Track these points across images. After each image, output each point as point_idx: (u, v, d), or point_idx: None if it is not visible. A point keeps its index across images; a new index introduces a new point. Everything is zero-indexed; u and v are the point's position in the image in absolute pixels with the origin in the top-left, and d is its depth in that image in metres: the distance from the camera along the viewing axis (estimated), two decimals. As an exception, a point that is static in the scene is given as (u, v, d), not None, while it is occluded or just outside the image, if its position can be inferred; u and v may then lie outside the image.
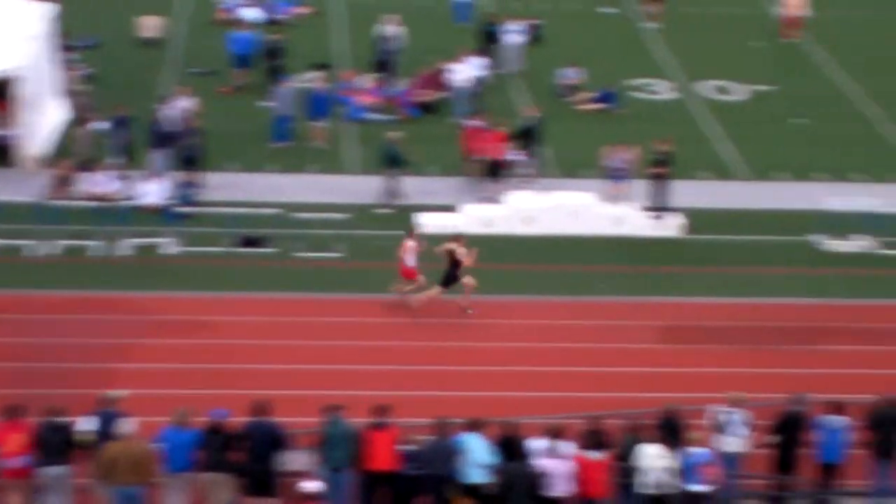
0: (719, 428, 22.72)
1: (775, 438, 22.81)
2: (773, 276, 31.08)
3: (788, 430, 22.74)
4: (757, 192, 35.37)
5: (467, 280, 28.83)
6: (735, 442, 22.70)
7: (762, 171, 36.56)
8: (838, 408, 22.78)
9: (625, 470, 21.79)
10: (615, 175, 33.74)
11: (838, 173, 36.28)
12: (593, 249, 32.28)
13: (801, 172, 36.40)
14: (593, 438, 21.92)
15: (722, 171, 36.62)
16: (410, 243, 29.06)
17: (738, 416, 22.76)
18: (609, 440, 22.03)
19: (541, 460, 21.59)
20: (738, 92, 41.81)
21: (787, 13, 45.45)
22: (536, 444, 21.83)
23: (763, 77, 42.56)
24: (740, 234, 33.05)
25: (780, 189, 35.56)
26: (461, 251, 28.79)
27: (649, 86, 42.02)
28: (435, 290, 28.95)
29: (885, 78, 42.75)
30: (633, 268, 31.54)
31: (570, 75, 40.68)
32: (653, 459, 21.69)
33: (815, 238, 32.69)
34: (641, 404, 23.80)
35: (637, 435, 22.01)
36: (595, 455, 21.73)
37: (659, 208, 33.12)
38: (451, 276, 28.84)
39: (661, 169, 33.06)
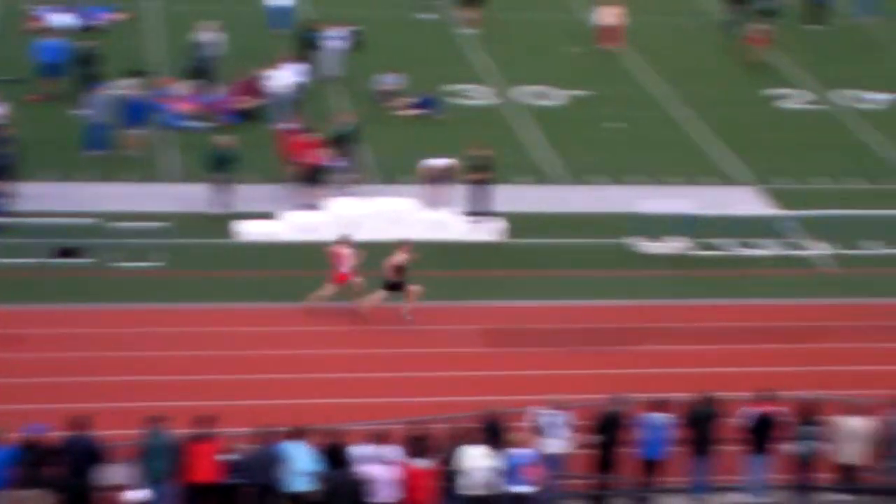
0: (541, 430, 23.01)
1: (596, 438, 23.19)
2: (592, 279, 31.54)
3: (609, 429, 23.14)
4: (574, 196, 35.88)
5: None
6: (557, 443, 23.02)
7: (579, 175, 37.11)
8: (660, 405, 23.26)
9: (449, 473, 21.94)
10: (435, 180, 33.96)
11: (653, 176, 37.00)
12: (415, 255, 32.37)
13: (618, 176, 37.03)
14: (418, 445, 22.03)
15: (540, 176, 37.07)
16: (345, 250, 29.14)
17: (559, 417, 23.09)
18: (433, 445, 22.16)
19: (365, 467, 21.62)
20: (556, 97, 42.38)
21: (604, 23, 46.15)
22: (360, 450, 21.86)
23: (580, 82, 43.19)
24: (559, 237, 33.47)
25: (597, 192, 36.12)
26: (401, 257, 28.87)
27: (468, 91, 42.35)
28: (413, 295, 28.98)
29: (697, 82, 43.74)
30: (455, 272, 31.74)
31: (390, 81, 40.79)
32: (476, 461, 21.89)
33: (631, 240, 33.29)
34: (465, 408, 23.92)
35: (461, 438, 22.18)
36: (420, 462, 21.83)
37: (479, 213, 33.40)
38: (396, 284, 28.96)
39: (481, 174, 33.37)
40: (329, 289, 29.27)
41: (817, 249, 33.53)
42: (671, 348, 28.67)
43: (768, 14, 47.41)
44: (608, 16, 46.02)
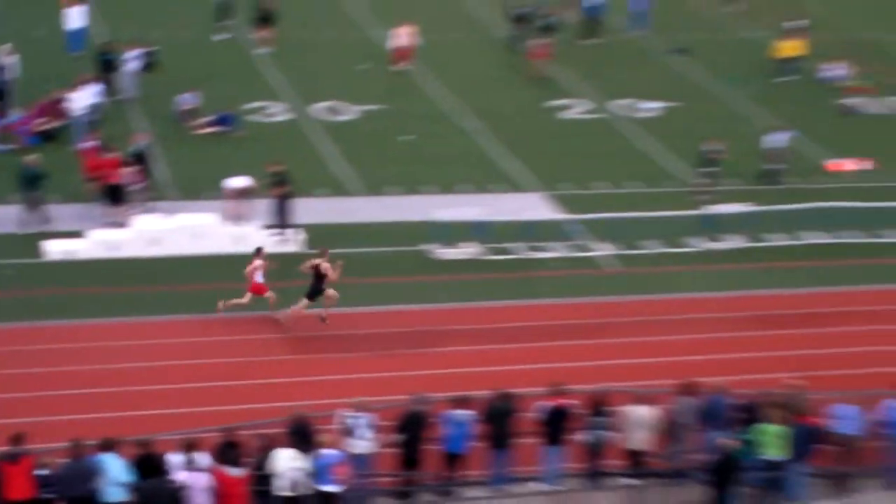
0: (347, 431, 23.19)
1: (401, 437, 23.45)
2: (391, 285, 31.78)
3: (412, 428, 23.42)
4: (371, 207, 36.13)
5: (330, 292, 29.04)
6: (363, 443, 23.22)
7: (375, 187, 37.38)
8: (461, 403, 23.63)
9: (261, 477, 21.97)
10: (236, 197, 33.88)
11: (446, 186, 37.45)
12: (218, 267, 32.27)
13: (412, 186, 37.40)
14: (229, 453, 21.99)
15: (337, 188, 37.23)
16: (258, 262, 29.04)
17: (364, 419, 23.29)
18: (245, 452, 22.15)
19: (178, 475, 21.51)
20: (349, 112, 42.58)
21: (397, 44, 46.48)
22: (173, 458, 21.74)
23: (371, 98, 43.47)
24: (358, 246, 33.60)
25: (393, 202, 36.43)
26: (325, 265, 28.81)
27: (265, 108, 42.29)
28: (302, 304, 29.01)
29: (485, 96, 44.41)
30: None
31: (188, 100, 40.48)
32: (287, 463, 21.97)
33: (427, 247, 33.66)
34: (273, 413, 23.96)
35: (271, 443, 22.23)
36: (233, 470, 21.81)
37: (280, 226, 33.43)
38: (315, 290, 28.92)
39: (281, 189, 33.42)
40: (271, 298, 29.42)
41: (601, 250, 34.36)
42: (469, 349, 29.09)
43: (548, 30, 48.40)
44: (401, 36, 46.39)
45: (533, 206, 36.39)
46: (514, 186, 37.95)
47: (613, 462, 24.47)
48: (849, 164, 39.94)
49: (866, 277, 33.31)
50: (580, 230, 34.97)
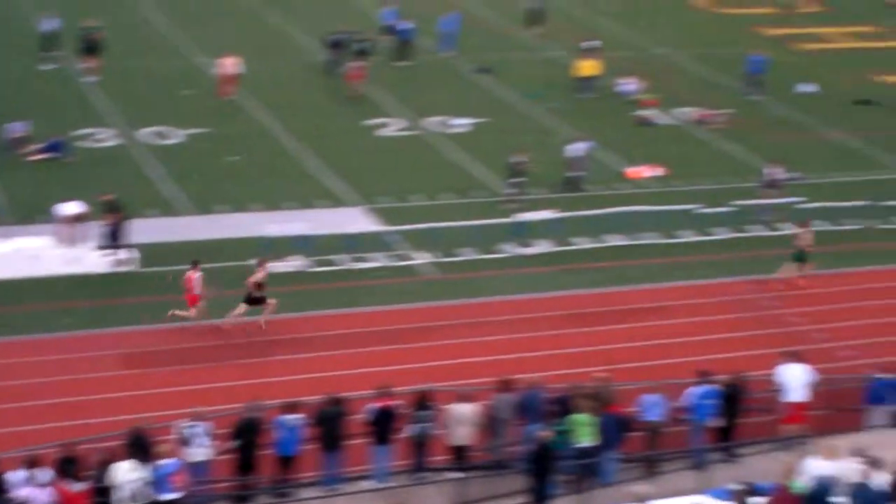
0: (184, 440, 22.78)
1: (236, 443, 23.12)
2: (222, 299, 31.18)
3: (246, 434, 23.12)
4: (201, 225, 35.60)
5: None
6: (201, 451, 22.84)
7: (204, 206, 36.85)
8: (292, 407, 23.40)
9: (102, 490, 21.44)
10: (70, 220, 33.09)
11: (272, 203, 37.12)
12: (53, 289, 31.47)
13: (240, 204, 36.98)
14: (69, 468, 21.42)
15: (167, 208, 36.60)
16: (195, 274, 29.31)
17: (200, 428, 22.91)
18: (84, 466, 21.59)
19: (21, 491, 20.86)
20: (176, 136, 41.95)
21: (223, 72, 45.95)
22: (14, 476, 21.07)
23: (198, 122, 42.92)
24: (188, 264, 33.02)
25: (222, 220, 35.95)
26: (260, 274, 29.46)
27: (94, 134, 41.40)
28: (269, 309, 29.59)
29: (306, 117, 44.22)
30: (93, 302, 31.00)
31: (18, 128, 39.44)
32: (126, 475, 21.48)
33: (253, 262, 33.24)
34: (113, 427, 23.43)
35: (111, 455, 21.71)
36: (74, 486, 21.23)
37: (113, 247, 32.74)
38: (257, 297, 29.42)
39: (115, 215, 32.78)
40: (192, 311, 29.42)
41: (420, 259, 34.43)
42: (298, 357, 28.86)
43: (363, 54, 48.42)
44: (226, 65, 45.91)
45: (354, 220, 36.30)
46: (337, 202, 37.81)
47: (439, 457, 24.47)
48: (646, 171, 40.75)
49: (664, 275, 33.98)
50: (399, 240, 35.01)
